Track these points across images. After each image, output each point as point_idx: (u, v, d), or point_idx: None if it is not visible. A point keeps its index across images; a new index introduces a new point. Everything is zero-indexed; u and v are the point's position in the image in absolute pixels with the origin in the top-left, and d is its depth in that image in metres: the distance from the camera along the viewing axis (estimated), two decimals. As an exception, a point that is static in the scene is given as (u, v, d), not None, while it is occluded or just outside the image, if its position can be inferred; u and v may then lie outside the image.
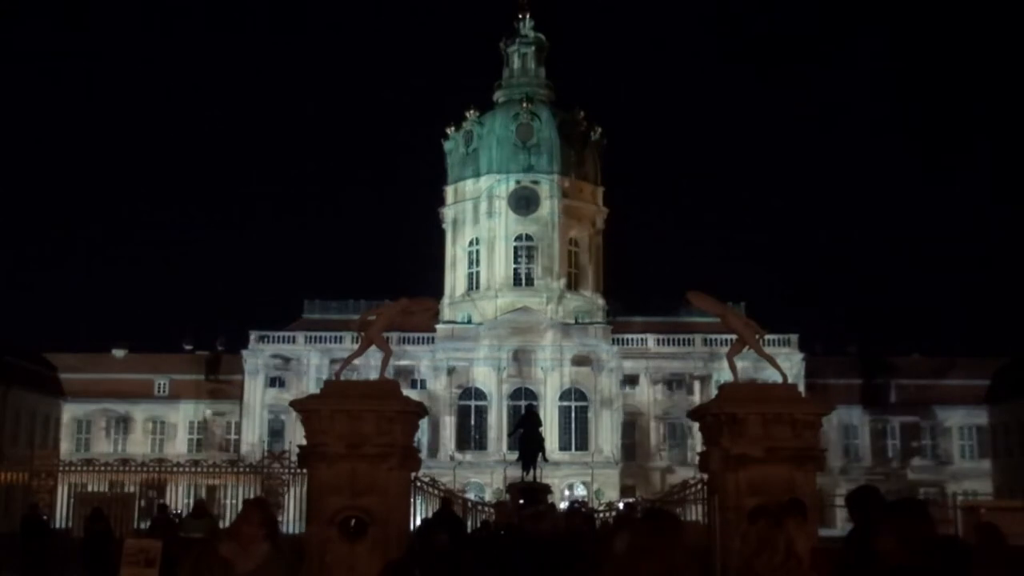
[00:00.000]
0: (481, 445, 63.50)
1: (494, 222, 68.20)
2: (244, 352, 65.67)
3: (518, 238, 68.39)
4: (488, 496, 53.83)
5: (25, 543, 21.59)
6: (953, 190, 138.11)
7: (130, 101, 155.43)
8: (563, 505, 38.65)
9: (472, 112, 71.06)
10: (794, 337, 64.55)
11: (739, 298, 50.65)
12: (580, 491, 59.73)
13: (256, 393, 64.94)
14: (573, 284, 68.97)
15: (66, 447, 64.07)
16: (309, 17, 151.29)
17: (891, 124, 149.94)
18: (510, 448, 53.50)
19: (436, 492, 21.71)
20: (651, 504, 30.63)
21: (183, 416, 67.00)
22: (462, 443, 63.64)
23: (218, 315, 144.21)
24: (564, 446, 62.45)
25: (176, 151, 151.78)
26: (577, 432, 64.00)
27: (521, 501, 28.07)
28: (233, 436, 66.09)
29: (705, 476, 16.50)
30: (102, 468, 28.33)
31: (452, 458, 62.24)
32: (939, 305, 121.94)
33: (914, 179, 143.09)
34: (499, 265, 67.77)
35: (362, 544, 13.88)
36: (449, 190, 71.52)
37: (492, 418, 63.34)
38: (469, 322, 65.84)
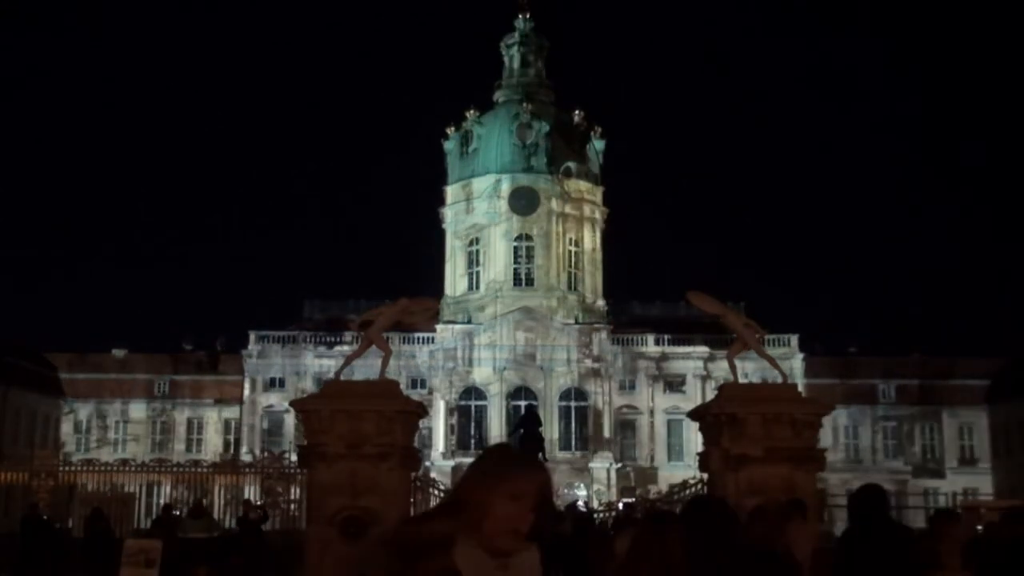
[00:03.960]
0: (481, 445, 63.37)
1: (494, 222, 68.15)
2: (244, 352, 65.64)
3: (518, 238, 68.34)
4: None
5: (25, 543, 21.59)
6: (954, 190, 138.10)
7: (130, 101, 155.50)
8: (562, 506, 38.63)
9: (472, 112, 71.00)
10: (794, 337, 64.53)
11: (739, 298, 50.70)
12: (580, 491, 59.69)
13: (256, 393, 64.93)
14: (573, 284, 68.93)
15: (66, 447, 64.03)
16: (309, 17, 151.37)
17: (891, 123, 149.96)
18: (510, 448, 53.40)
19: (436, 492, 21.71)
20: (651, 504, 30.62)
21: (183, 416, 67.00)
22: (462, 443, 63.61)
23: (218, 315, 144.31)
24: (564, 446, 62.44)
25: (176, 151, 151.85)
26: (577, 432, 63.98)
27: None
28: (233, 436, 66.09)
29: (705, 476, 16.51)
30: (102, 468, 28.37)
31: (452, 458, 62.22)
32: (939, 305, 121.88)
33: (914, 179, 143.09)
34: (499, 265, 67.72)
35: (362, 544, 13.88)
36: (449, 190, 71.47)
37: (492, 418, 63.30)
38: (469, 322, 65.81)
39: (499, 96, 73.09)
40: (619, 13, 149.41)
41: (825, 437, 55.68)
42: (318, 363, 62.32)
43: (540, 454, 35.09)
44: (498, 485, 3.24)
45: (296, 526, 23.67)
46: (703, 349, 63.44)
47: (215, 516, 25.88)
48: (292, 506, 28.83)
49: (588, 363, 63.89)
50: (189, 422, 67.13)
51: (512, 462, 3.34)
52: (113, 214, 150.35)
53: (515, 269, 67.96)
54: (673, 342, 64.89)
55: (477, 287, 68.69)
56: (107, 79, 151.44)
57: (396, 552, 3.13)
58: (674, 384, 65.00)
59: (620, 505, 38.29)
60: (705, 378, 63.21)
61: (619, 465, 63.11)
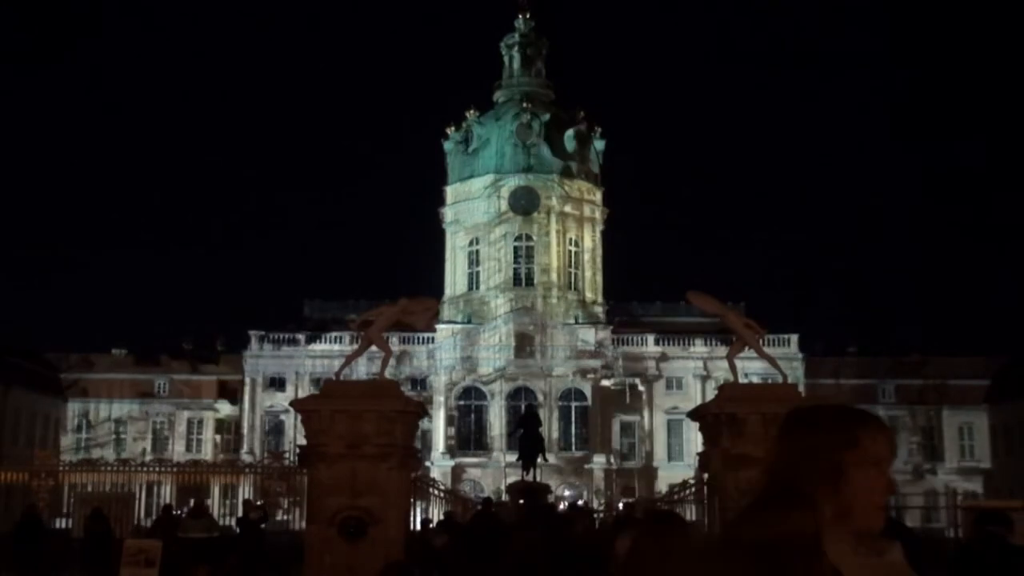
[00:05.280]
0: (481, 445, 63.49)
1: (494, 222, 68.14)
2: (244, 352, 65.66)
3: (518, 238, 68.33)
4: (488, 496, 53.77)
5: (22, 544, 21.56)
6: (954, 190, 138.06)
7: (131, 101, 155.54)
8: (563, 505, 38.62)
9: (472, 112, 71.00)
10: (794, 337, 64.57)
11: (739, 298, 50.73)
12: (580, 491, 59.70)
13: (256, 393, 64.94)
14: (573, 284, 68.92)
15: (66, 447, 64.06)
16: (309, 18, 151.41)
17: (891, 124, 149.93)
18: (510, 448, 53.49)
19: (436, 492, 21.72)
20: (651, 504, 30.64)
21: (183, 416, 67.01)
22: (462, 443, 63.62)
23: (218, 315, 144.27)
24: (564, 446, 62.44)
25: (176, 151, 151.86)
26: (577, 432, 63.98)
27: (521, 501, 28.05)
28: (233, 436, 66.11)
29: (705, 476, 16.52)
30: (102, 468, 28.36)
31: (452, 458, 62.25)
32: (939, 305, 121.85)
33: (914, 178, 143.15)
34: (499, 265, 67.73)
35: (362, 544, 13.89)
36: (449, 190, 71.47)
37: (492, 418, 63.32)
38: (469, 322, 65.82)
39: (499, 96, 73.09)
40: (619, 13, 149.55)
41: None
42: (318, 363, 62.31)
43: (540, 454, 35.09)
44: (852, 449, 2.42)
45: (288, 528, 23.66)
46: (703, 349, 63.44)
47: (214, 516, 25.85)
48: (287, 505, 28.82)
49: (588, 363, 63.89)
50: (189, 422, 67.15)
51: (857, 418, 2.51)
52: (113, 214, 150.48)
53: (515, 269, 67.95)
54: (673, 342, 64.91)
55: (477, 287, 68.69)
56: (108, 81, 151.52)
57: (755, 562, 2.25)
58: (674, 384, 65.02)
59: (620, 505, 38.24)
60: (705, 378, 63.23)
61: (619, 465, 63.10)
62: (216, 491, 34.75)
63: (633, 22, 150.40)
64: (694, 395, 60.49)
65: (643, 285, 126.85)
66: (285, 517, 30.67)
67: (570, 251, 69.37)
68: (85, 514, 22.77)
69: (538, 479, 34.05)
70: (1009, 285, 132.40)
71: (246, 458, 57.01)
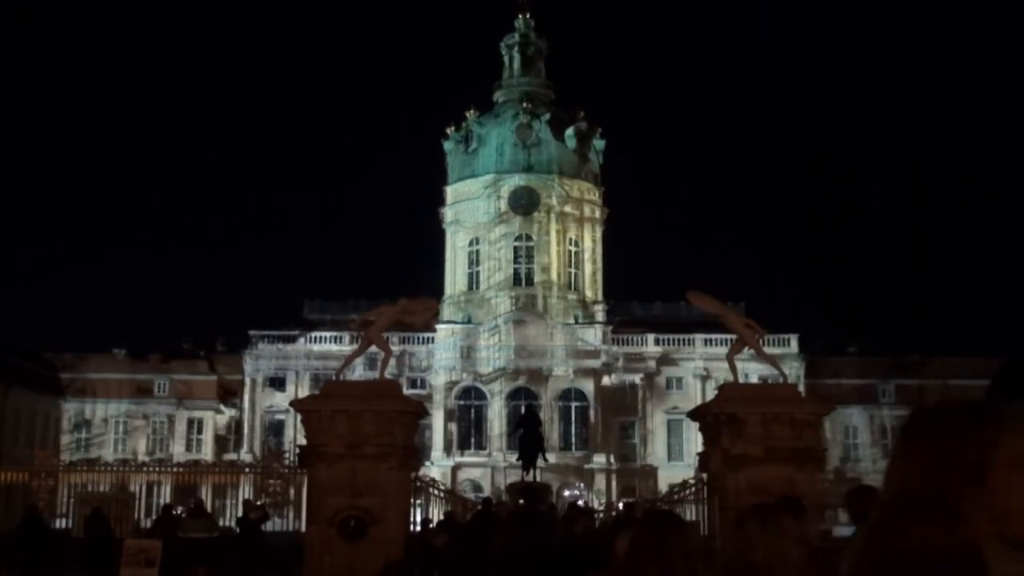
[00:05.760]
0: (481, 445, 63.50)
1: (494, 222, 68.19)
2: (244, 352, 65.66)
3: (518, 238, 68.37)
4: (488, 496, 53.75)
5: (23, 544, 21.55)
6: (953, 189, 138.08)
7: (130, 101, 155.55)
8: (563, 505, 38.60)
9: (472, 112, 71.04)
10: (794, 337, 64.59)
11: (739, 298, 50.63)
12: (580, 491, 59.68)
13: (256, 393, 64.96)
14: (573, 284, 68.96)
15: (66, 447, 64.08)
16: (309, 17, 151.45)
17: (891, 124, 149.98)
18: (510, 448, 53.52)
19: (436, 492, 21.72)
20: (651, 504, 30.64)
21: (183, 416, 67.02)
22: (462, 443, 63.63)
23: (218, 315, 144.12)
24: (564, 446, 62.44)
25: (177, 151, 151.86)
26: (577, 432, 63.99)
27: (521, 501, 28.03)
28: (233, 436, 66.12)
29: (705, 476, 16.52)
30: (102, 468, 28.38)
31: (452, 458, 62.25)
32: (939, 305, 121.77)
33: (914, 178, 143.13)
34: (499, 265, 67.76)
35: (362, 544, 13.89)
36: (449, 190, 71.51)
37: (492, 418, 63.34)
38: (469, 322, 65.83)
39: (499, 96, 73.13)
40: (619, 13, 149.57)
41: (824, 438, 55.80)
42: (318, 363, 62.32)
43: (540, 454, 35.09)
44: (996, 448, 2.15)
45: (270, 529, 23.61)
46: (703, 349, 63.44)
47: (214, 516, 25.86)
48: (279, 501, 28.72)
49: (588, 363, 63.88)
50: (189, 422, 67.16)
51: (996, 415, 2.22)
52: (113, 214, 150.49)
53: (515, 269, 67.98)
54: (673, 342, 64.90)
55: (477, 287, 68.72)
56: (108, 81, 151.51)
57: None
58: (674, 384, 65.03)
59: (620, 505, 38.26)
60: (705, 378, 63.22)
61: (619, 465, 63.10)
62: (215, 491, 34.73)
63: (633, 22, 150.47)
64: (694, 395, 60.46)
65: (643, 285, 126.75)
66: (281, 519, 30.68)
67: (570, 251, 69.41)
68: (85, 514, 22.78)
69: (538, 479, 34.06)
70: (1009, 285, 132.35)
71: (246, 458, 57.03)
